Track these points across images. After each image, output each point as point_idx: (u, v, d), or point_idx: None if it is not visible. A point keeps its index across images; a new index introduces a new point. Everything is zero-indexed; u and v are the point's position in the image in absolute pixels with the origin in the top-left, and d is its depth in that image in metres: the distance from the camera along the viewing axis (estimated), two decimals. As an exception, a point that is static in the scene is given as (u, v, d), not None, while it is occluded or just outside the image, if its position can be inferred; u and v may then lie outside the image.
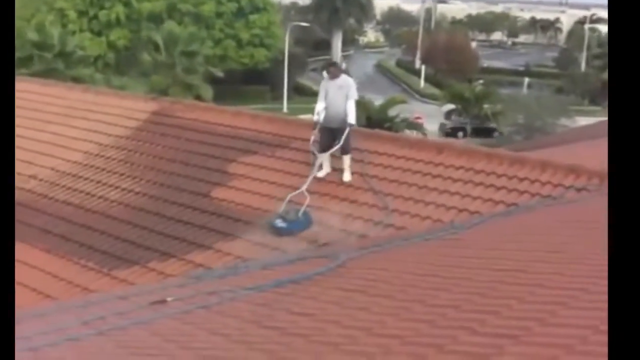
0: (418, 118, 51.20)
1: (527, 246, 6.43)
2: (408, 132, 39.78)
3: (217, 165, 12.35)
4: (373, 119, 40.93)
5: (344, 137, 11.21)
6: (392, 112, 44.05)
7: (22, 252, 11.26)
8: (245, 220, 10.79)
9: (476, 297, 4.41)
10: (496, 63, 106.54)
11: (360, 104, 43.14)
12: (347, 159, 11.40)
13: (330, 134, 11.44)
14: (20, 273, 10.65)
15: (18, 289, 10.31)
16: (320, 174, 11.42)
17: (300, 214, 10.38)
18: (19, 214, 12.44)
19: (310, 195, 10.63)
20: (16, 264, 10.91)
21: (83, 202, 12.44)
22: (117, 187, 12.61)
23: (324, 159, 11.46)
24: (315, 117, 11.58)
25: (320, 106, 11.57)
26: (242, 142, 12.90)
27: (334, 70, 11.88)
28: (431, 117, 55.89)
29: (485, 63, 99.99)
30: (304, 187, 10.75)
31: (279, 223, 10.33)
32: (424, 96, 78.33)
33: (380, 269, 6.55)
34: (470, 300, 4.35)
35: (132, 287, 9.59)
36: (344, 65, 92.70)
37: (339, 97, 11.43)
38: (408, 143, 12.14)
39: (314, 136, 11.60)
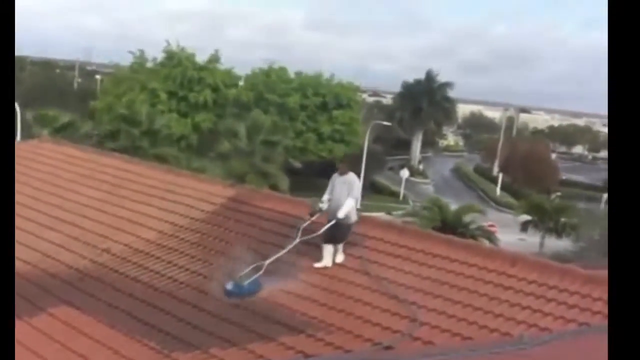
0: (492, 226, 50.66)
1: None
2: (481, 240, 39.30)
3: (289, 257, 12.36)
4: (448, 223, 40.64)
5: (325, 227, 12.00)
6: (466, 219, 43.65)
7: (88, 324, 11.37)
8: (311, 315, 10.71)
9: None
10: (575, 177, 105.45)
11: (436, 207, 43.30)
12: (340, 247, 12.16)
13: (332, 225, 12.01)
14: (84, 346, 10.76)
15: (80, 362, 10.39)
16: (319, 265, 12.05)
17: (247, 282, 11.31)
18: (88, 286, 12.65)
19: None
20: (79, 335, 11.04)
21: (152, 280, 12.53)
22: (187, 269, 12.68)
23: (325, 250, 12.07)
24: (319, 205, 12.45)
25: (325, 197, 12.44)
26: (316, 236, 12.91)
27: (342, 167, 12.58)
28: (505, 226, 55.24)
29: (564, 176, 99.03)
30: (267, 262, 11.60)
31: (229, 286, 11.37)
32: (499, 204, 77.69)
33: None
34: None
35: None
36: (421, 167, 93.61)
37: (342, 192, 12.12)
38: (481, 252, 11.99)
39: (307, 221, 12.38)
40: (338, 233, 12.03)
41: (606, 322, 9.46)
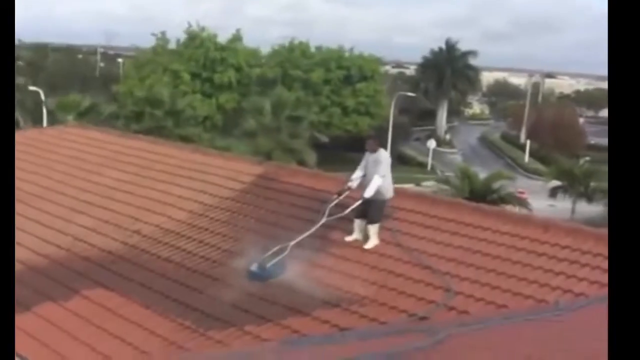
0: (521, 193, 50.36)
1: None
2: (511, 207, 39.10)
3: (320, 232, 12.34)
4: (477, 191, 40.45)
5: (353, 206, 11.85)
6: (495, 185, 43.43)
7: (122, 306, 11.45)
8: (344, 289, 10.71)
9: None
10: (603, 141, 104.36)
11: (465, 177, 43.09)
12: (373, 227, 11.83)
13: (363, 202, 11.80)
14: (119, 327, 10.83)
15: (116, 343, 10.48)
16: (349, 238, 11.98)
17: (270, 264, 11.17)
18: (121, 268, 12.73)
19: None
20: (115, 317, 11.12)
21: (184, 260, 12.57)
22: (218, 248, 12.72)
23: (356, 224, 12.01)
24: (348, 184, 12.23)
25: (355, 174, 12.27)
26: (345, 210, 12.89)
27: (372, 144, 12.23)
28: (535, 192, 54.86)
29: (593, 140, 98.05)
30: (292, 242, 11.43)
31: (253, 267, 11.26)
32: (527, 171, 77.17)
33: (482, 349, 6.35)
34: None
35: (227, 350, 9.59)
36: (447, 137, 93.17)
37: (373, 170, 11.88)
38: (513, 219, 11.92)
39: (335, 199, 12.15)
40: (370, 210, 11.82)
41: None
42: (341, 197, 12.14)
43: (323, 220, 11.84)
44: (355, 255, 11.55)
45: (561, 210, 50.91)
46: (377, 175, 11.73)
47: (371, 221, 11.81)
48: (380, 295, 10.34)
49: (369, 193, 11.66)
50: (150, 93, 52.51)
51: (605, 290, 9.41)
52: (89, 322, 11.17)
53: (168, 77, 61.91)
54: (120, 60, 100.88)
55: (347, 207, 11.95)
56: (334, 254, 11.69)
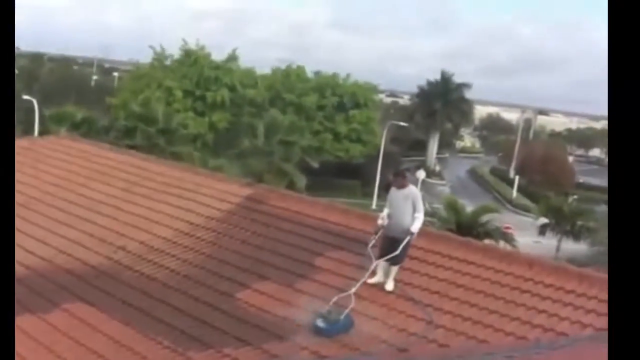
0: (507, 228, 50.48)
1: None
2: (496, 242, 39.15)
3: (304, 257, 12.31)
4: (463, 224, 40.53)
5: (402, 245, 11.07)
6: (483, 219, 43.53)
7: (102, 322, 11.39)
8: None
9: None
10: (592, 180, 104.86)
11: (452, 209, 43.18)
12: (394, 269, 11.30)
13: (390, 242, 11.28)
14: (98, 343, 10.77)
15: (93, 358, 10.40)
16: (372, 280, 11.26)
17: (342, 316, 10.19)
18: (103, 282, 12.66)
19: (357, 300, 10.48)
20: (94, 333, 11.06)
21: (167, 279, 12.52)
22: (202, 268, 12.67)
23: (379, 266, 11.31)
24: (380, 222, 11.52)
25: (385, 212, 11.56)
26: (331, 237, 12.87)
27: (400, 180, 11.76)
28: (521, 229, 55.02)
29: (581, 179, 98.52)
30: (353, 290, 10.60)
31: (320, 323, 10.17)
32: (515, 206, 77.46)
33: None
34: None
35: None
36: (437, 168, 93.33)
37: (403, 206, 11.36)
38: (498, 255, 11.92)
39: (373, 240, 11.54)
40: (400, 250, 11.17)
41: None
42: (377, 236, 11.53)
43: (375, 265, 11.21)
44: (341, 284, 11.50)
45: (546, 247, 51.04)
46: (419, 212, 11.30)
47: (395, 262, 11.29)
48: (362, 324, 10.29)
49: (416, 228, 11.19)
50: (144, 109, 52.58)
51: (587, 331, 9.43)
52: (67, 336, 11.09)
53: (161, 93, 61.95)
54: (115, 74, 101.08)
55: (377, 246, 11.44)
56: (318, 280, 11.65)
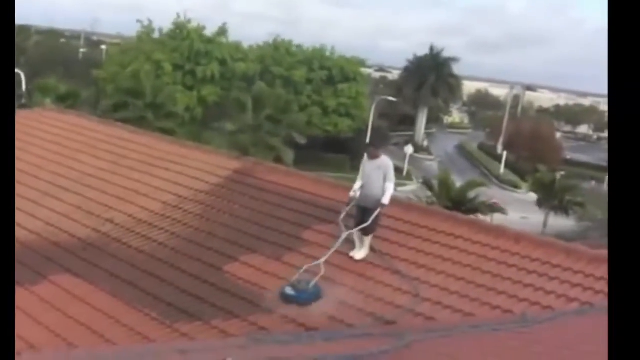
0: (495, 204, 50.59)
1: (602, 349, 6.18)
2: (486, 216, 39.27)
3: (292, 231, 12.32)
4: (452, 200, 40.61)
5: (373, 217, 11.23)
6: (471, 194, 43.60)
7: (89, 293, 11.40)
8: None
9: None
10: (580, 156, 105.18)
11: (444, 184, 43.22)
12: (368, 239, 11.41)
13: (362, 212, 11.44)
14: (85, 315, 10.78)
15: (81, 330, 10.41)
16: (358, 255, 11.39)
17: (311, 285, 10.40)
18: (90, 255, 12.66)
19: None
20: (81, 304, 11.06)
21: (155, 251, 12.53)
22: (190, 241, 12.68)
23: (357, 238, 11.45)
24: (352, 194, 11.64)
25: (357, 184, 11.65)
26: (319, 210, 12.87)
27: (372, 150, 11.83)
28: (507, 204, 55.18)
29: (569, 155, 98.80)
30: (322, 259, 10.73)
31: (289, 291, 10.41)
32: (503, 182, 77.61)
33: (445, 355, 6.38)
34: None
35: (193, 342, 9.56)
36: (425, 143, 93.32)
37: (375, 177, 11.46)
38: (485, 229, 11.95)
39: (345, 210, 11.66)
40: (371, 220, 11.32)
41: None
42: (348, 208, 11.68)
43: (345, 235, 11.33)
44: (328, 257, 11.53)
45: (532, 224, 51.21)
46: (389, 182, 11.41)
47: (368, 232, 11.41)
48: (349, 297, 10.34)
49: (386, 201, 11.29)
50: (133, 82, 52.26)
51: (572, 305, 9.49)
52: (54, 307, 11.11)
53: (150, 66, 61.53)
54: (103, 47, 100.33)
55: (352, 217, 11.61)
56: (305, 254, 11.65)
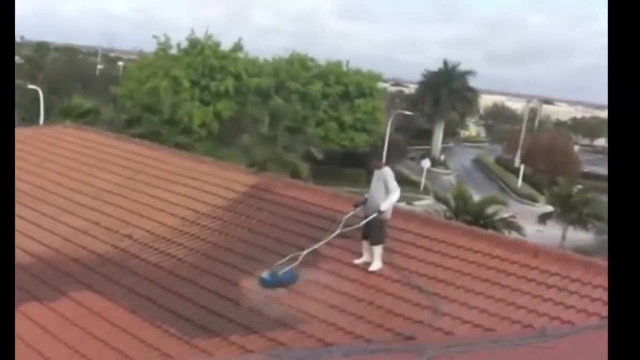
0: (512, 217, 50.38)
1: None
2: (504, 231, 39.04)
3: (309, 246, 12.33)
4: (470, 214, 40.42)
5: (366, 220, 11.69)
6: (489, 210, 43.37)
7: (108, 309, 11.42)
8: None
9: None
10: (597, 169, 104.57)
11: (460, 198, 43.02)
12: (377, 249, 11.59)
13: (367, 223, 11.73)
14: (104, 331, 10.80)
15: (99, 346, 10.44)
16: (358, 261, 11.76)
17: (283, 272, 11.14)
18: (109, 271, 12.69)
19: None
20: (100, 320, 11.09)
21: (173, 267, 12.55)
22: (209, 257, 12.69)
23: (366, 250, 11.78)
24: (365, 195, 12.15)
25: (366, 195, 12.14)
26: (336, 225, 12.86)
27: (375, 162, 12.29)
28: (525, 218, 54.93)
29: (587, 168, 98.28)
30: (305, 252, 11.40)
31: (265, 275, 11.20)
32: (520, 196, 77.25)
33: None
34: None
35: (212, 358, 9.55)
36: (442, 157, 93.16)
37: (377, 187, 11.80)
38: (504, 243, 11.91)
39: (351, 212, 12.19)
40: (371, 231, 11.64)
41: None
42: (357, 209, 12.16)
43: (338, 231, 11.84)
44: (344, 272, 11.53)
45: (550, 237, 50.94)
46: (390, 191, 11.63)
47: (374, 242, 11.60)
48: (368, 312, 10.32)
49: (385, 206, 11.55)
50: (152, 99, 52.45)
51: (592, 319, 9.43)
52: (73, 324, 11.14)
53: (168, 83, 61.76)
54: (120, 63, 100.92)
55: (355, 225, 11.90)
56: (329, 270, 11.65)
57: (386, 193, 11.64)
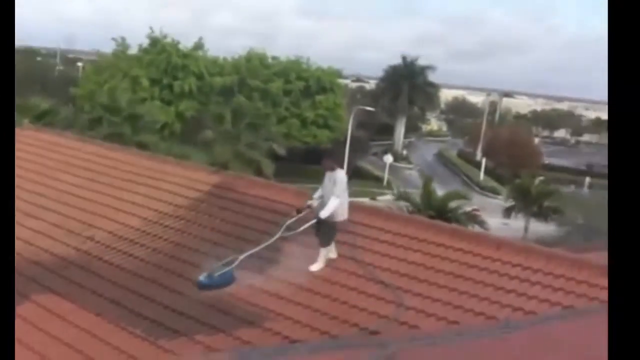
0: (476, 211, 50.67)
1: (585, 354, 6.23)
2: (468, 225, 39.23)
3: (274, 244, 12.31)
4: (434, 208, 40.58)
5: (304, 227, 11.66)
6: (452, 204, 43.57)
7: (72, 313, 11.33)
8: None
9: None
10: (558, 161, 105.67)
11: (426, 193, 43.16)
12: (322, 250, 11.50)
13: (317, 223, 11.57)
14: (69, 334, 10.72)
15: (64, 349, 10.36)
16: (312, 268, 11.48)
17: (218, 274, 11.11)
18: (72, 273, 12.59)
19: None
20: (64, 324, 11.00)
21: (137, 268, 12.49)
22: (172, 257, 12.65)
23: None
24: (309, 202, 11.95)
25: (317, 193, 11.93)
26: (300, 223, 12.88)
27: (326, 163, 11.86)
28: (488, 211, 55.32)
29: (547, 160, 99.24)
30: (241, 257, 11.33)
31: (201, 277, 11.18)
32: (483, 189, 77.81)
33: (430, 364, 6.39)
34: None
35: (178, 358, 9.54)
36: (404, 152, 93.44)
37: (329, 190, 11.51)
38: (466, 236, 11.98)
39: (294, 218, 11.93)
40: (320, 232, 11.52)
41: (590, 304, 9.51)
42: (300, 215, 11.85)
43: (278, 235, 11.67)
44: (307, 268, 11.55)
45: (514, 230, 51.41)
46: (333, 196, 11.32)
47: (320, 244, 11.50)
48: (333, 308, 10.35)
49: (324, 214, 11.28)
50: (109, 98, 52.01)
51: (555, 309, 9.54)
52: (37, 327, 11.04)
53: (127, 83, 61.36)
54: (80, 64, 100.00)
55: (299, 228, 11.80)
56: (287, 265, 11.65)
57: (333, 195, 11.38)
